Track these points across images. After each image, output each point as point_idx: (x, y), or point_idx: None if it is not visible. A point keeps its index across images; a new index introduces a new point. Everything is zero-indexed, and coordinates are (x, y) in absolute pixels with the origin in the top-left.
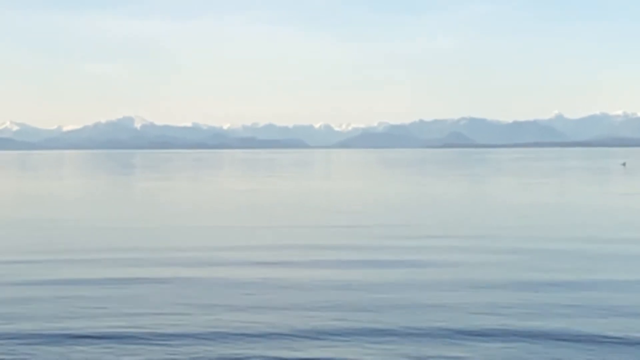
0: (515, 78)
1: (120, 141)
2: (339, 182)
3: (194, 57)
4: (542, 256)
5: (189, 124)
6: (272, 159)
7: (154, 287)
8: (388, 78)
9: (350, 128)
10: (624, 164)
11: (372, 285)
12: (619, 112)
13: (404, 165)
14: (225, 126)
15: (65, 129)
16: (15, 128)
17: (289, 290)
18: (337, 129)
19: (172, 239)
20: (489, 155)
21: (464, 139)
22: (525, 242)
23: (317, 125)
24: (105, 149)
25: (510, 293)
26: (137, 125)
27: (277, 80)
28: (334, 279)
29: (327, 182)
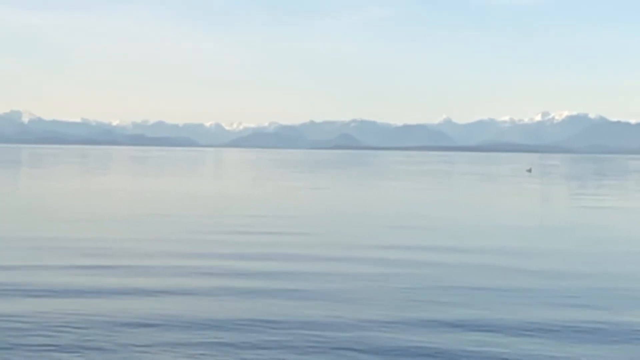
0: (406, 83)
1: (5, 136)
2: (225, 182)
3: (84, 51)
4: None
5: (77, 120)
6: (163, 157)
7: None
8: (280, 79)
9: (241, 127)
10: (529, 170)
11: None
12: (506, 118)
13: (288, 166)
14: (115, 122)
15: None
16: None
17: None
18: (227, 128)
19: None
20: (376, 158)
21: (353, 141)
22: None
23: (207, 124)
24: None
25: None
26: (25, 119)
27: (168, 77)
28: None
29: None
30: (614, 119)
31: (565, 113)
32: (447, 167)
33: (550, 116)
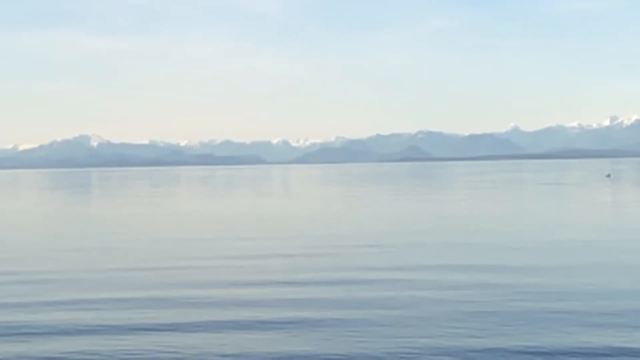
0: (471, 92)
1: (76, 160)
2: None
3: (151, 75)
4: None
5: (145, 142)
6: (234, 176)
7: None
8: (345, 93)
9: (308, 143)
10: (608, 176)
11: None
12: (574, 124)
13: (371, 180)
14: (182, 143)
15: (21, 147)
16: None
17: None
18: (294, 144)
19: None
20: (449, 169)
21: (421, 153)
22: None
23: (274, 141)
24: (61, 168)
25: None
26: (94, 143)
27: (235, 97)
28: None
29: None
30: None
31: (635, 117)
32: (524, 176)
33: (619, 120)
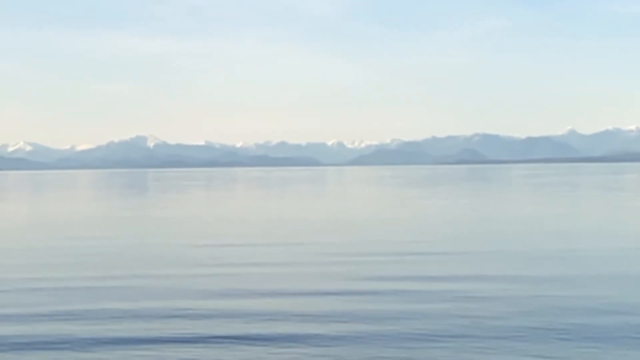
0: (527, 94)
1: (133, 160)
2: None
3: (206, 75)
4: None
5: (201, 142)
6: (290, 177)
7: None
8: (401, 95)
9: (363, 145)
10: None
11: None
12: (632, 127)
13: (435, 183)
14: (238, 144)
15: (79, 148)
16: (28, 148)
17: None
18: (349, 146)
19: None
20: (508, 171)
21: (477, 155)
22: None
23: (329, 143)
24: (119, 168)
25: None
26: (150, 144)
27: (290, 98)
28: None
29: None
30: None
31: None
32: (581, 179)
33: None
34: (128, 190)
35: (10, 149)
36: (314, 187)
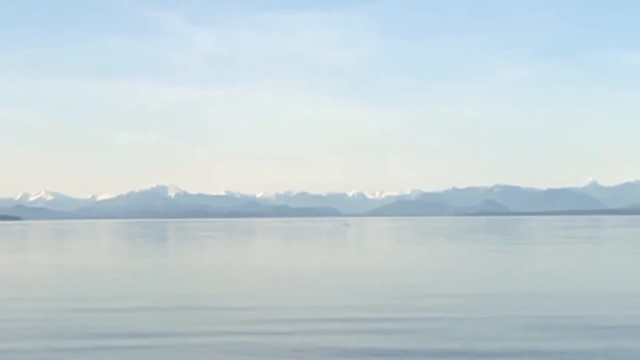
0: (548, 145)
1: (153, 210)
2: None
3: (227, 125)
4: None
5: (222, 192)
6: (313, 228)
7: None
8: (421, 145)
9: (383, 196)
10: None
11: None
12: None
13: (457, 234)
14: (259, 194)
15: (100, 198)
16: (49, 197)
17: None
18: (370, 197)
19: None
20: (529, 223)
21: (497, 207)
22: None
23: (350, 194)
24: (139, 218)
25: None
26: (171, 194)
27: (311, 148)
28: None
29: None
30: None
31: None
32: (603, 232)
33: None
34: (148, 240)
35: (31, 198)
36: (333, 237)
